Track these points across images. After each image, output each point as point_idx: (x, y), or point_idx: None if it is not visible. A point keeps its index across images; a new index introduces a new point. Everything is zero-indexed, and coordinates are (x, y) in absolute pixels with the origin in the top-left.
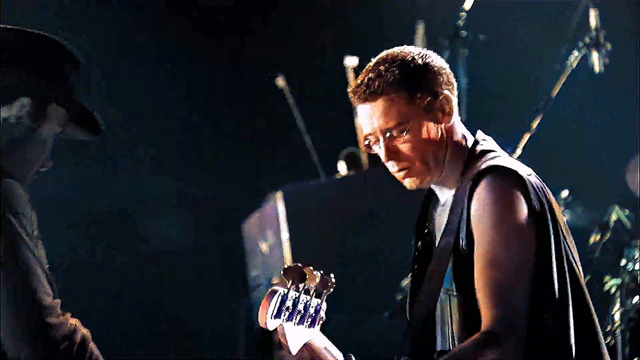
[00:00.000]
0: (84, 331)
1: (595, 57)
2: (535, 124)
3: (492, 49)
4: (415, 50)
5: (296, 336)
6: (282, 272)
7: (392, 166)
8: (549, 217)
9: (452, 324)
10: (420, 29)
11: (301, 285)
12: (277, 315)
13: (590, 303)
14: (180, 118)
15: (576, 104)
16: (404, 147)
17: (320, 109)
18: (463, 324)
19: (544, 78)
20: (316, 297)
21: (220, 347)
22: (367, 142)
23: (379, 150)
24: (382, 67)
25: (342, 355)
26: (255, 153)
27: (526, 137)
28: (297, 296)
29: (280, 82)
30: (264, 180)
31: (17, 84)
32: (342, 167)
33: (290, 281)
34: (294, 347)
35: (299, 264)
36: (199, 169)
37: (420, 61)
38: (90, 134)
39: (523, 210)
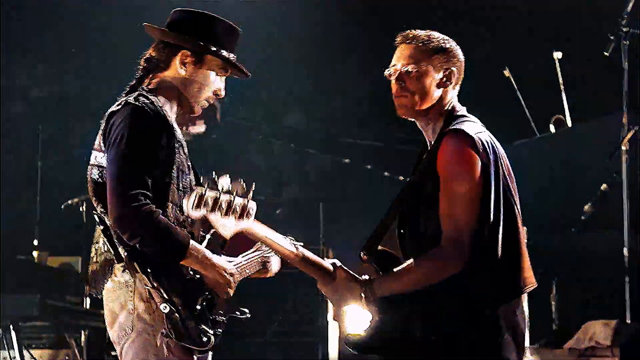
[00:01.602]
0: None
1: None
2: None
3: None
4: (450, 40)
5: (227, 224)
6: (206, 178)
7: (395, 89)
8: (491, 164)
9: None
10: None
11: (221, 187)
12: (198, 206)
13: (519, 224)
14: None
15: None
16: (409, 80)
17: (534, 92)
18: (417, 245)
19: None
20: (241, 197)
21: None
22: (389, 70)
23: (393, 76)
24: (426, 35)
25: (282, 237)
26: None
27: None
28: (217, 196)
29: (507, 73)
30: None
31: (177, 42)
32: (552, 128)
33: (209, 182)
34: (225, 233)
35: (221, 174)
36: None
37: (447, 44)
38: (244, 76)
39: (471, 160)
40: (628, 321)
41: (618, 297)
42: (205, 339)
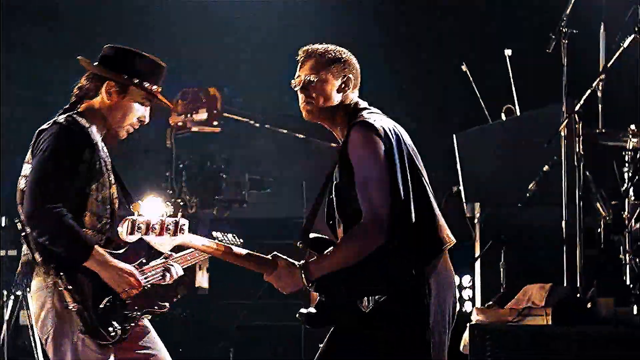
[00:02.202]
0: None
1: None
2: None
3: None
4: (345, 50)
5: (163, 242)
6: (133, 205)
7: (301, 98)
8: (394, 146)
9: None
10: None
11: (149, 212)
12: (132, 232)
13: (430, 195)
14: None
15: None
16: (312, 88)
17: (488, 85)
18: (345, 228)
19: None
20: (170, 217)
21: None
22: (294, 81)
23: (298, 86)
24: (323, 49)
25: (214, 241)
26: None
27: None
28: (148, 220)
29: (464, 68)
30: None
31: (104, 75)
32: (502, 116)
33: (137, 211)
34: (163, 249)
35: (146, 199)
36: None
37: (343, 55)
38: (167, 106)
39: (376, 146)
40: (565, 284)
41: (557, 264)
42: (113, 333)
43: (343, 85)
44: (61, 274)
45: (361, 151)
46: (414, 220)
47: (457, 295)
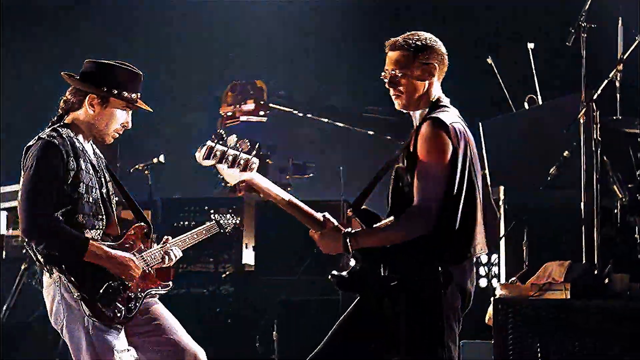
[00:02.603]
0: None
1: None
2: None
3: None
4: (430, 37)
5: (232, 174)
6: (215, 135)
7: (391, 91)
8: (460, 149)
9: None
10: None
11: (229, 143)
12: (207, 157)
13: (478, 204)
14: None
15: None
16: (400, 82)
17: (512, 76)
18: (396, 209)
19: None
20: (246, 153)
21: None
22: (383, 74)
23: (386, 82)
24: (408, 38)
25: (280, 189)
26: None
27: None
28: (225, 150)
29: (489, 60)
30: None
31: (85, 89)
32: (526, 105)
33: (218, 138)
34: (231, 180)
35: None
36: None
37: (428, 42)
38: (147, 110)
39: (444, 143)
40: (583, 262)
41: (575, 242)
42: (118, 314)
43: (428, 74)
44: (63, 267)
45: (428, 145)
46: (457, 224)
47: (469, 301)
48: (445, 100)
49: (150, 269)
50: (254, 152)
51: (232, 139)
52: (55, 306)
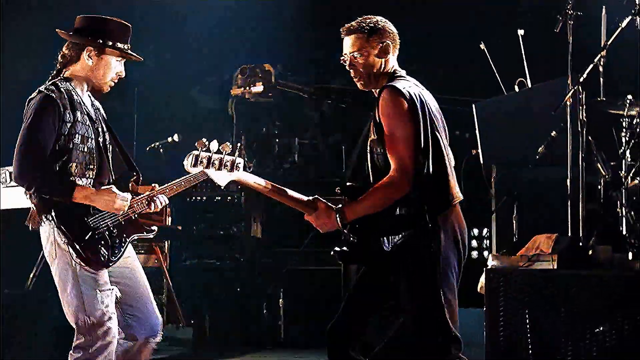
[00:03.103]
0: None
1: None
2: None
3: None
4: (381, 19)
5: (221, 176)
6: (198, 142)
7: (352, 73)
8: (418, 109)
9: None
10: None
11: (212, 149)
12: (195, 165)
13: (445, 153)
14: None
15: None
16: (358, 64)
17: (503, 61)
18: (375, 177)
19: None
20: (229, 155)
21: None
22: (342, 57)
23: (347, 64)
24: (361, 22)
25: (268, 182)
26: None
27: None
28: (210, 155)
29: (482, 46)
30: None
31: (82, 42)
32: (516, 88)
33: (202, 147)
34: (221, 182)
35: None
36: None
37: (379, 24)
38: (138, 59)
39: (401, 106)
40: (569, 234)
41: (562, 216)
42: (102, 258)
43: (383, 53)
44: (53, 214)
45: (387, 110)
46: (431, 175)
47: (464, 250)
48: (402, 72)
49: (135, 214)
50: (237, 153)
51: (214, 145)
52: (49, 246)
